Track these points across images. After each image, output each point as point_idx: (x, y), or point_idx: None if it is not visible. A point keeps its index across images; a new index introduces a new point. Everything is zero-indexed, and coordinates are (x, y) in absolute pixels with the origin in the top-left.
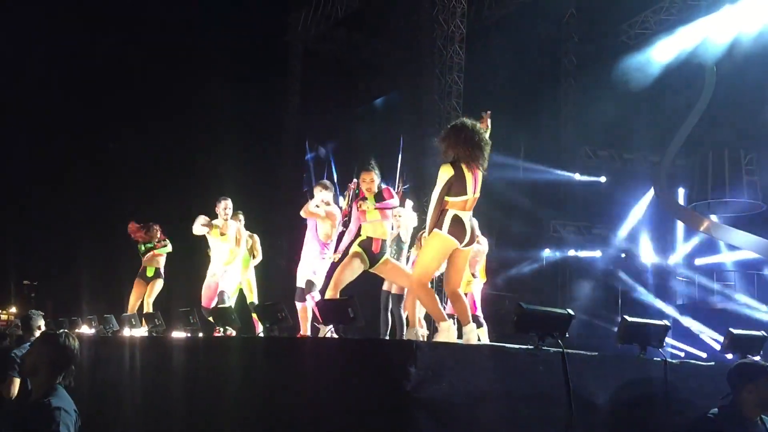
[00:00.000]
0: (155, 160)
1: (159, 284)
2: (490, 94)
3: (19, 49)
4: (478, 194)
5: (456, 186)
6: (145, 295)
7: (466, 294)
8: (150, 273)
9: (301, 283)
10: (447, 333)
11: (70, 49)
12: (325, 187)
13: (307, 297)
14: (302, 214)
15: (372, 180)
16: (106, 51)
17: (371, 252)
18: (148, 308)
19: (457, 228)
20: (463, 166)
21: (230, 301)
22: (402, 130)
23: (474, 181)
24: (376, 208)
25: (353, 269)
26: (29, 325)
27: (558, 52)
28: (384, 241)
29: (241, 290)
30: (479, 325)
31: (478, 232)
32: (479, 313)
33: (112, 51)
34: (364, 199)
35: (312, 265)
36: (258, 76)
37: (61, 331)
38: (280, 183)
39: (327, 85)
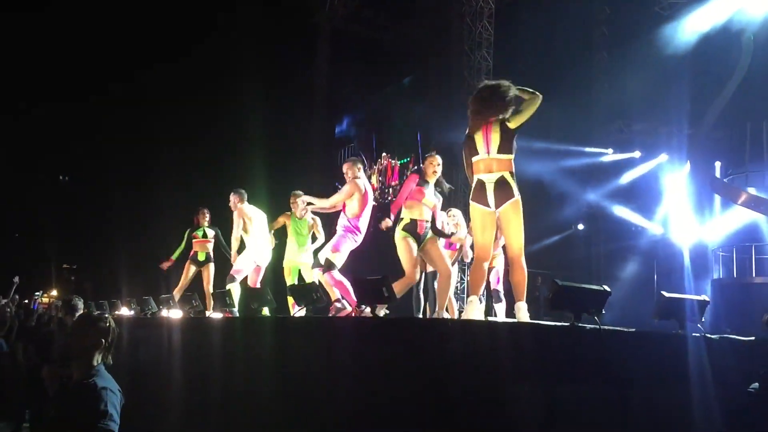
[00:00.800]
0: (189, 144)
1: (212, 268)
2: (520, 70)
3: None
4: (498, 155)
5: (470, 149)
6: (204, 283)
7: (491, 269)
8: (201, 257)
9: (321, 258)
10: (469, 306)
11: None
12: (354, 163)
13: (326, 276)
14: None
15: (440, 164)
16: (137, 35)
17: (417, 234)
18: (208, 296)
19: (479, 193)
20: (471, 130)
21: (235, 284)
22: (431, 108)
23: (485, 140)
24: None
25: (412, 248)
26: (73, 309)
27: (589, 24)
28: (427, 222)
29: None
30: (498, 300)
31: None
32: (500, 287)
33: (144, 31)
34: (426, 181)
35: (335, 241)
36: (285, 58)
37: (99, 312)
38: (309, 164)
39: (355, 65)
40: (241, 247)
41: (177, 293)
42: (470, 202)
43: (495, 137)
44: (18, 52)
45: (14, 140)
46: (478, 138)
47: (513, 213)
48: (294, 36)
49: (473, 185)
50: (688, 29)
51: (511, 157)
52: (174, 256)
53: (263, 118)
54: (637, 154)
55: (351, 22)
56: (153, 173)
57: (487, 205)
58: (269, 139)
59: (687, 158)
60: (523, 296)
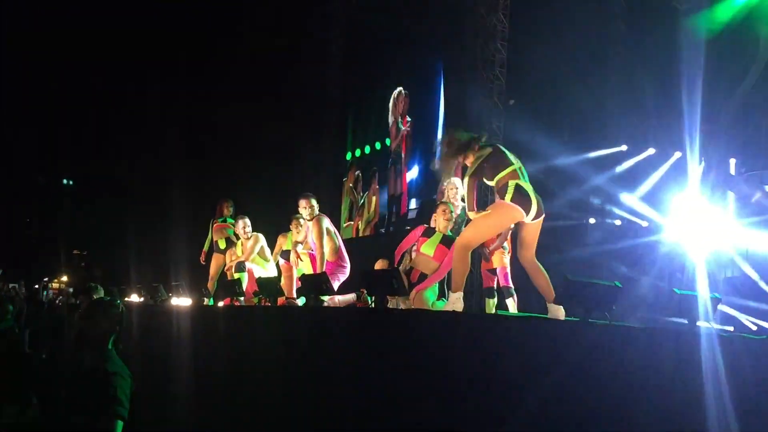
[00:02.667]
0: (201, 131)
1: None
2: (534, 62)
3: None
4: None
5: (496, 163)
6: (224, 268)
7: (497, 268)
8: (222, 245)
9: None
10: (453, 304)
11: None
12: (306, 199)
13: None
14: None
15: (452, 211)
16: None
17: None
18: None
19: (522, 199)
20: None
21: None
22: (444, 99)
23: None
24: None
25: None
26: (90, 296)
27: (606, 18)
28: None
29: None
30: (509, 296)
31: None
32: (510, 283)
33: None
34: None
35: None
36: (299, 47)
37: (111, 298)
38: (321, 151)
39: (369, 54)
40: None
41: (210, 285)
42: (508, 203)
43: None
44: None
45: (25, 130)
46: (505, 150)
47: (539, 225)
48: (307, 25)
49: (511, 188)
50: (705, 24)
51: None
52: (206, 248)
53: (275, 109)
54: (651, 150)
55: (365, 11)
56: (165, 159)
57: (528, 213)
58: (281, 130)
59: (702, 154)
60: (554, 295)
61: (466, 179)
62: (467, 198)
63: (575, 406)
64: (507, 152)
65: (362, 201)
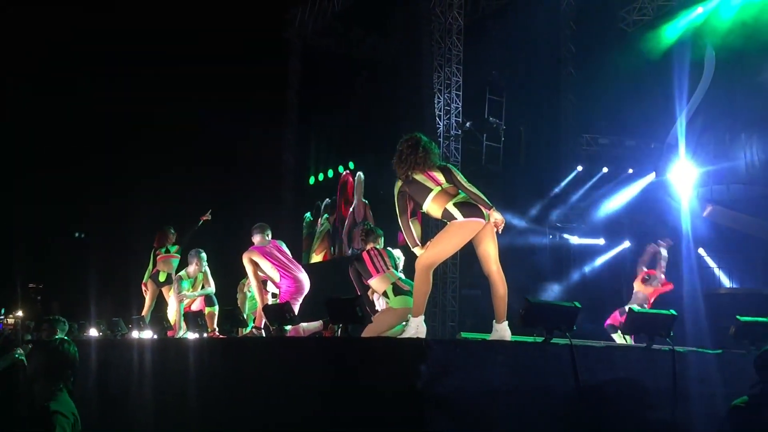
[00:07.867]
0: (161, 164)
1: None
2: (489, 86)
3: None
4: (449, 185)
5: (416, 191)
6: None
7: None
8: (162, 278)
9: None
10: (416, 329)
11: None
12: (258, 230)
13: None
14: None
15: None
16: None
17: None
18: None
19: (469, 209)
20: (412, 174)
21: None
22: (402, 123)
23: (432, 179)
24: None
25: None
26: (53, 330)
27: (556, 41)
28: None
29: None
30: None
31: None
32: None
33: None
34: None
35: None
36: (257, 73)
37: (57, 337)
38: (282, 178)
39: (327, 80)
40: None
41: (145, 315)
42: (462, 220)
43: (438, 174)
44: None
45: None
46: (421, 178)
47: (493, 232)
48: (264, 52)
49: (454, 209)
50: (651, 45)
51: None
52: (146, 279)
53: (232, 135)
54: (605, 169)
55: (322, 38)
56: (125, 189)
57: (482, 217)
58: (239, 156)
59: (653, 170)
60: (505, 315)
61: (399, 219)
62: (406, 237)
63: (539, 426)
64: (425, 181)
65: (323, 227)
